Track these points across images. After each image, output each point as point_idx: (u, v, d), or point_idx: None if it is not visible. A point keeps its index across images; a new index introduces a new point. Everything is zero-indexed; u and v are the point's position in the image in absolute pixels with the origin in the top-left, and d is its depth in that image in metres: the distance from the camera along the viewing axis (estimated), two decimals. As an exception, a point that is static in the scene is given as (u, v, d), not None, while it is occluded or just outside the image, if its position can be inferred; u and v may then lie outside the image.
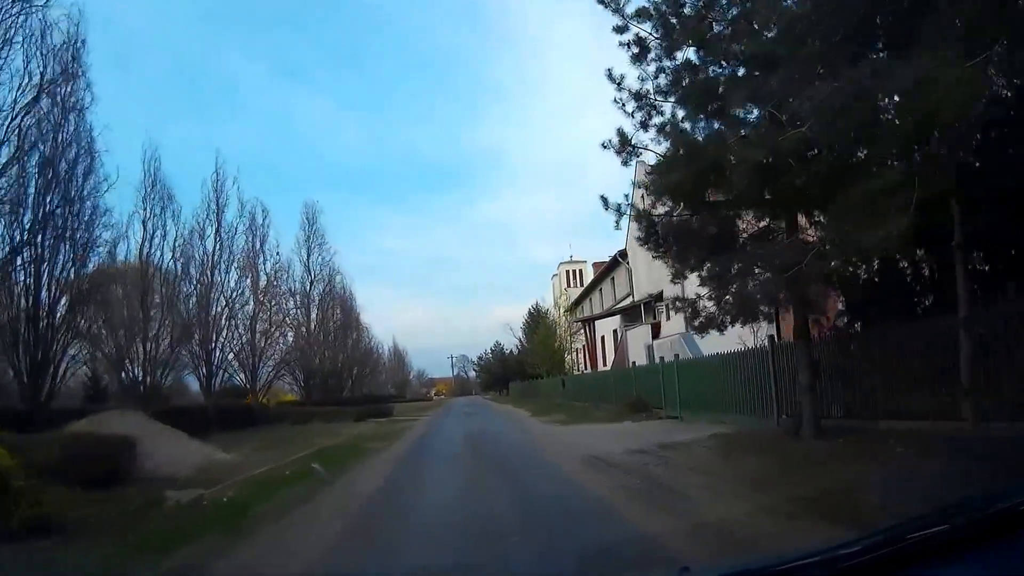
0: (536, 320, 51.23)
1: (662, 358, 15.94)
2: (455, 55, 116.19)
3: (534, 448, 11.04)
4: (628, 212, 8.45)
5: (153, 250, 18.42)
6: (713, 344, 17.39)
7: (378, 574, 4.16)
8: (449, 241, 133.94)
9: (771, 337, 10.80)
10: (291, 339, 31.00)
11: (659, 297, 22.70)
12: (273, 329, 25.56)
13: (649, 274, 24.32)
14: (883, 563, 1.22)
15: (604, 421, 15.54)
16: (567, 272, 65.78)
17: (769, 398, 10.69)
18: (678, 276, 8.55)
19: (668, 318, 22.16)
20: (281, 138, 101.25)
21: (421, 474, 8.56)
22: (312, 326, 32.15)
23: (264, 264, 25.90)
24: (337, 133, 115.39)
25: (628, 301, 26.21)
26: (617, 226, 8.91)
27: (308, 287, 32.32)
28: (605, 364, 31.70)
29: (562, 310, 40.15)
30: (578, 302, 38.46)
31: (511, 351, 65.94)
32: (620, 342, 23.38)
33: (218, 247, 22.55)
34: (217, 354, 22.48)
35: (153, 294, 18.62)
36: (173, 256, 18.72)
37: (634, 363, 19.03)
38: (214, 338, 21.79)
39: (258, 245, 25.97)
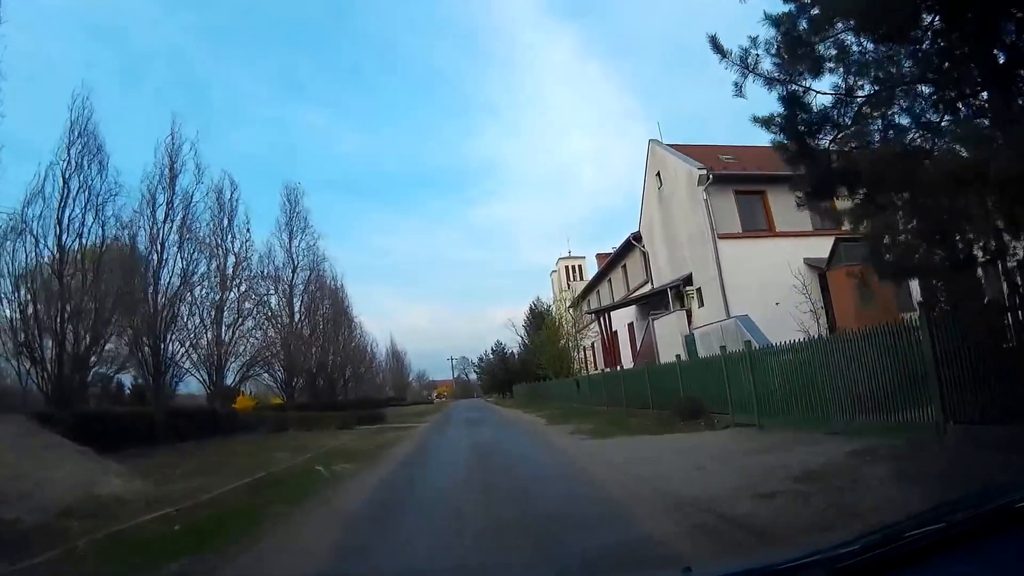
0: (539, 318, 47.52)
1: (723, 347, 12.33)
2: (452, 75, 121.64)
3: (577, 482, 7.09)
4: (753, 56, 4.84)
5: (76, 212, 14.77)
6: (774, 330, 13.89)
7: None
8: (449, 245, 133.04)
9: (922, 302, 7.23)
10: (271, 334, 27.37)
11: (688, 281, 19.17)
12: (241, 321, 21.91)
13: (671, 256, 20.81)
14: (881, 562, 1.21)
15: (650, 431, 11.99)
16: (567, 267, 62.40)
17: (920, 395, 7.16)
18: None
19: (701, 304, 18.63)
20: (285, 148, 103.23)
21: (395, 543, 4.89)
22: (295, 319, 28.53)
23: (232, 244, 22.31)
24: (337, 144, 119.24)
25: (647, 288, 22.65)
26: (739, 91, 5.28)
27: (290, 275, 28.75)
28: (619, 362, 28.11)
29: (566, 304, 36.34)
30: (584, 295, 34.77)
31: (512, 353, 62.41)
32: (645, 334, 19.82)
33: (171, 218, 18.95)
34: (169, 347, 18.82)
35: (81, 272, 14.99)
36: (98, 216, 14.91)
37: (678, 356, 15.44)
38: (162, 327, 18.13)
39: (226, 223, 22.41)
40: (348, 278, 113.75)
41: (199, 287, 20.98)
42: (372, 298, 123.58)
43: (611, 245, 36.54)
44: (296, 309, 28.79)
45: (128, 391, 34.20)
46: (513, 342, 58.51)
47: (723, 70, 5.14)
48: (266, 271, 27.89)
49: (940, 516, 1.34)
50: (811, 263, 17.43)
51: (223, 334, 21.63)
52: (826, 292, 16.88)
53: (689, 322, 18.55)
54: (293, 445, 15.07)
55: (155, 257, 18.59)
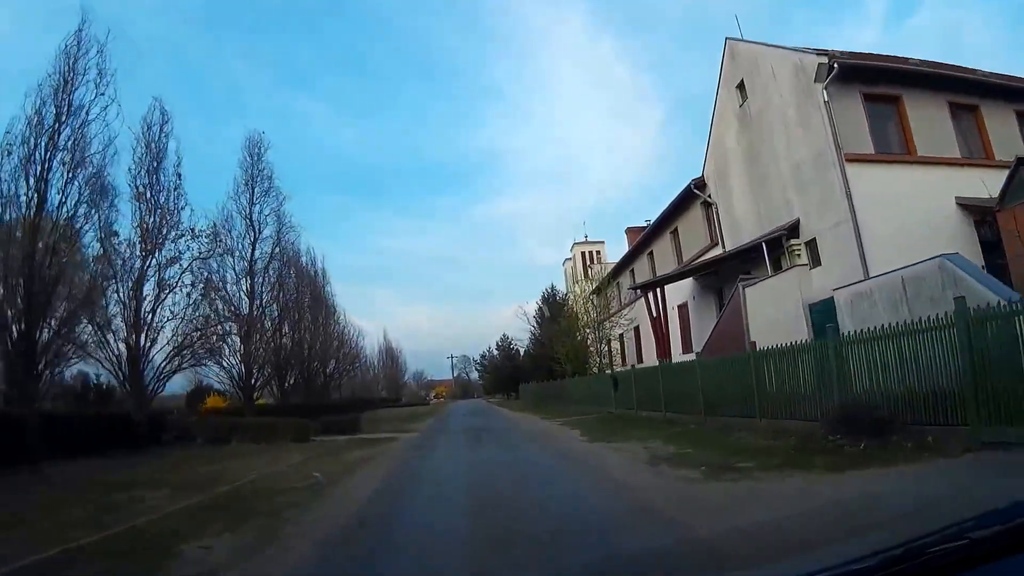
0: (553, 308, 41.75)
1: (959, 299, 6.56)
2: (454, 61, 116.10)
3: None
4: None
5: None
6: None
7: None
8: (450, 243, 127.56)
9: None
10: (223, 317, 21.78)
11: (792, 231, 13.53)
12: (165, 294, 16.20)
13: (760, 201, 15.13)
14: None
15: (819, 464, 6.35)
16: (583, 254, 56.73)
17: None
18: None
19: (816, 262, 12.97)
20: (282, 141, 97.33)
21: None
22: (256, 303, 22.83)
23: (159, 196, 16.68)
24: (337, 136, 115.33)
25: (717, 252, 16.99)
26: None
27: (250, 248, 23.02)
28: (668, 353, 22.49)
29: (591, 286, 30.33)
30: (614, 275, 28.90)
31: (518, 349, 56.61)
32: (727, 311, 14.16)
33: (57, 142, 13.38)
34: (51, 325, 13.27)
35: None
36: None
37: (809, 335, 9.89)
38: (44, 290, 12.59)
39: (153, 165, 16.81)
40: (344, 278, 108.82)
41: (117, 250, 15.51)
42: (370, 298, 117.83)
43: (644, 219, 30.98)
44: (258, 290, 23.06)
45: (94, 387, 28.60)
46: (522, 332, 52.41)
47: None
48: (225, 241, 22.45)
49: (964, 532, 1.22)
50: (964, 203, 12.04)
51: (143, 313, 15.97)
52: (986, 244, 11.62)
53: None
54: (198, 473, 9.72)
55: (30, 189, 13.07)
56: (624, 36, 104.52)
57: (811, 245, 12.99)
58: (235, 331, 21.61)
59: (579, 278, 35.61)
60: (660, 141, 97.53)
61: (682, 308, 19.70)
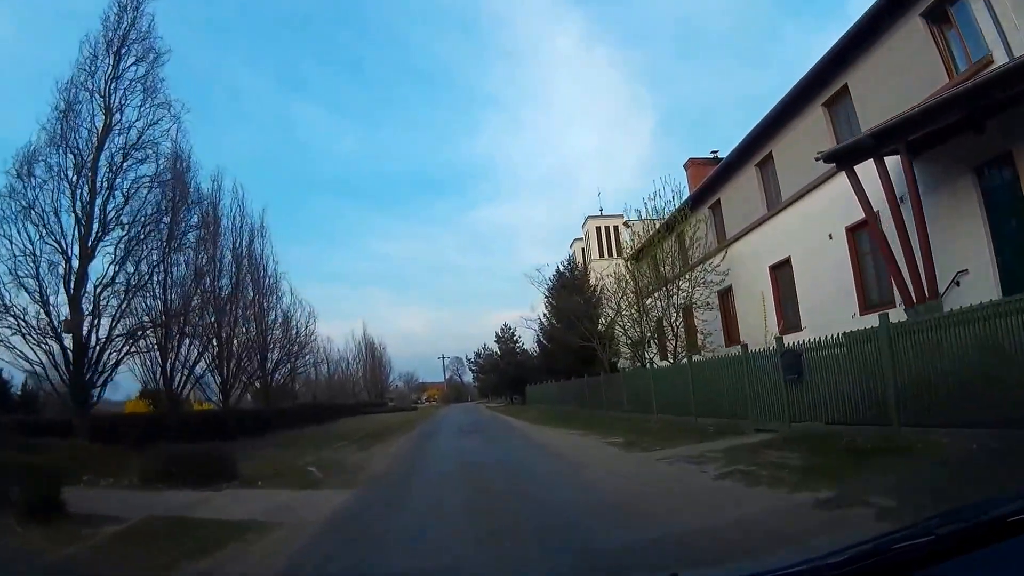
0: (572, 286, 31.77)
1: None
2: (451, 68, 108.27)
3: None
4: None
5: None
6: None
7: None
8: (445, 248, 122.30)
9: None
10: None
11: None
12: None
13: None
14: (869, 572, 1.20)
15: None
16: (598, 229, 47.28)
17: None
18: None
19: None
20: (281, 146, 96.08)
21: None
22: (96, 226, 13.07)
23: None
24: (334, 141, 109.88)
25: (986, 74, 7.44)
26: None
27: (95, 137, 13.38)
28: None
29: (653, 222, 19.42)
30: (698, 202, 18.54)
31: (523, 346, 47.00)
32: None
33: None
34: None
35: None
36: None
37: None
38: None
39: None
40: (336, 281, 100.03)
41: None
42: (362, 301, 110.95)
43: (710, 150, 21.37)
44: (104, 208, 13.32)
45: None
46: (533, 311, 42.43)
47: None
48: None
49: (930, 528, 1.27)
50: None
51: None
52: None
53: None
54: None
55: None
56: (619, 44, 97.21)
57: None
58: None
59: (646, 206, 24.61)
60: (657, 143, 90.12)
61: (862, 225, 10.29)
